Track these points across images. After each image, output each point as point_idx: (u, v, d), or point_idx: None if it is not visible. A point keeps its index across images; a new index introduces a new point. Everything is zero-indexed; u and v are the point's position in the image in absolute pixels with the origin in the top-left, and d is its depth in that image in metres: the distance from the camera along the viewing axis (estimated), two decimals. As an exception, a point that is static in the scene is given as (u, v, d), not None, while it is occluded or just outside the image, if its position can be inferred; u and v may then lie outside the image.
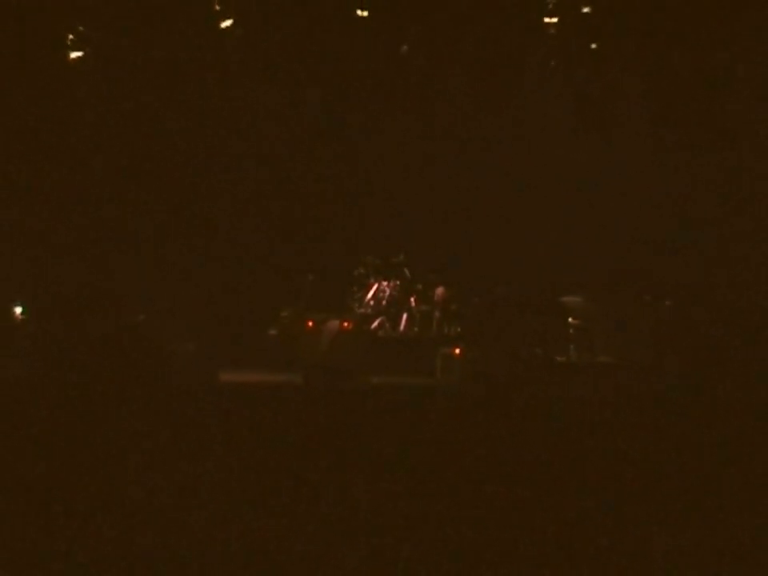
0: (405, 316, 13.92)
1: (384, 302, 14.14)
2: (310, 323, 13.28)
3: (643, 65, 12.73)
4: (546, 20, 12.32)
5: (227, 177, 13.72)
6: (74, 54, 12.66)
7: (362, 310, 14.02)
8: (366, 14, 12.33)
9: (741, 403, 9.80)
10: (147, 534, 5.21)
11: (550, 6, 12.21)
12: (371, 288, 14.08)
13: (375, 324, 13.89)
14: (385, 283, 14.12)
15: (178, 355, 12.65)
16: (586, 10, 12.26)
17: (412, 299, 14.05)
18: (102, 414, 8.94)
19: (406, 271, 14.21)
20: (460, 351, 12.48)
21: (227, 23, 12.45)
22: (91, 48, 12.55)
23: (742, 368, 11.24)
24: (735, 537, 5.14)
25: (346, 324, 13.25)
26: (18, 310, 13.38)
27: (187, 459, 7.27)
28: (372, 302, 14.18)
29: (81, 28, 12.38)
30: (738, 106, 12.91)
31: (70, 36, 12.43)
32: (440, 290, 13.71)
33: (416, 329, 13.91)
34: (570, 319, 13.19)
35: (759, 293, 12.91)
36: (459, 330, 13.56)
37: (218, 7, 12.30)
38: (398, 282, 14.18)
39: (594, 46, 12.55)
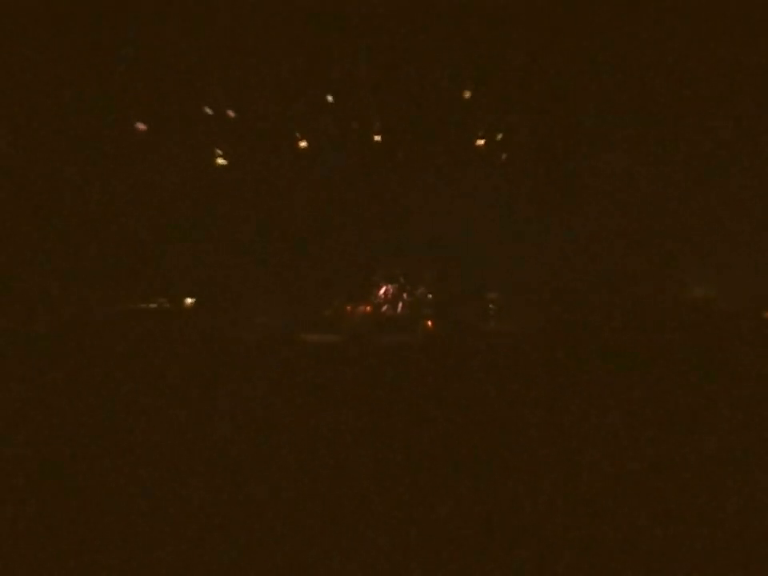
0: (400, 304, 16.48)
1: (389, 296, 16.52)
2: (348, 308, 16.02)
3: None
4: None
5: (282, 216, 15.50)
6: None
7: (376, 300, 16.48)
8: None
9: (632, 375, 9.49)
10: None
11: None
12: (381, 287, 16.60)
13: (383, 309, 16.45)
14: (388, 285, 16.53)
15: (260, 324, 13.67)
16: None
17: (404, 294, 16.50)
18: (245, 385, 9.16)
19: (402, 278, 16.57)
20: (431, 323, 15.17)
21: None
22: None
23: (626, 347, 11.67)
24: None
25: (368, 308, 16.11)
26: (189, 300, 14.51)
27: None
28: (381, 296, 16.55)
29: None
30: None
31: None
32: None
33: (407, 311, 16.31)
34: (490, 305, 15.51)
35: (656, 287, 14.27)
36: (431, 311, 16.06)
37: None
38: (398, 284, 16.56)
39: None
